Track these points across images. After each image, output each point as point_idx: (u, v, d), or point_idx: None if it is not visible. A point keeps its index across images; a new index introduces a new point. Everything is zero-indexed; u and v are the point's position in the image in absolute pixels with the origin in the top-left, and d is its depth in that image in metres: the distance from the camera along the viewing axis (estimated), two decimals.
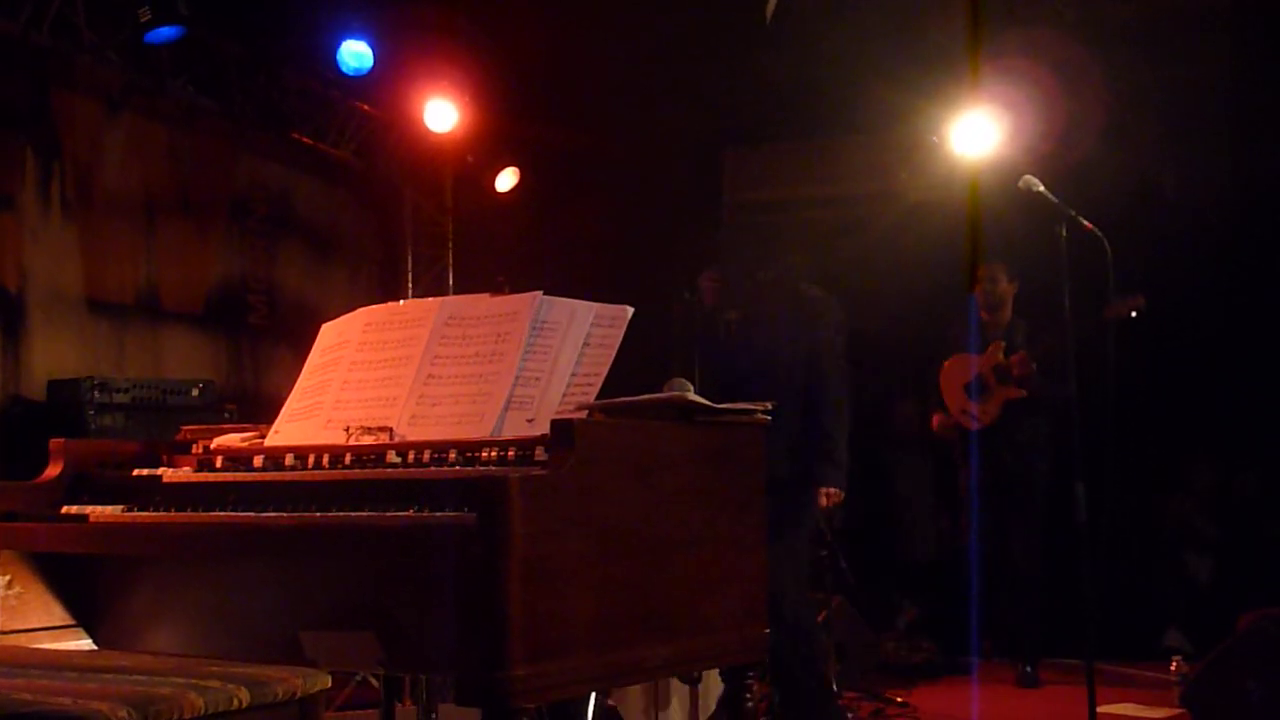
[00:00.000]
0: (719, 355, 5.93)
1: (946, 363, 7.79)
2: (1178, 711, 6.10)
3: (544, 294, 3.31)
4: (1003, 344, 7.49)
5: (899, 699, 6.67)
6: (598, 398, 3.23)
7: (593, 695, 5.20)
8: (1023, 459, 7.44)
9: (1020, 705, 6.92)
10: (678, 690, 5.38)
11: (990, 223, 8.23)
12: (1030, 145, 7.70)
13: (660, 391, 3.18)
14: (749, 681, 3.35)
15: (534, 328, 3.22)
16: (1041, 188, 5.01)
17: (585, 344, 3.27)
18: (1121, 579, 7.57)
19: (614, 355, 3.29)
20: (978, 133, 7.86)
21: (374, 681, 5.91)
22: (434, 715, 3.76)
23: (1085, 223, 5.03)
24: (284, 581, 3.12)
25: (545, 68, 8.17)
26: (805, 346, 5.49)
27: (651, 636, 2.98)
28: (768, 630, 3.34)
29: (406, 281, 9.05)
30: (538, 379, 3.20)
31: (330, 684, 2.73)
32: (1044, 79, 7.87)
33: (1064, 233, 5.00)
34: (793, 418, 5.29)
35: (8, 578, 3.31)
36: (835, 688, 6.48)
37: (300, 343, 5.37)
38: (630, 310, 3.35)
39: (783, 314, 5.61)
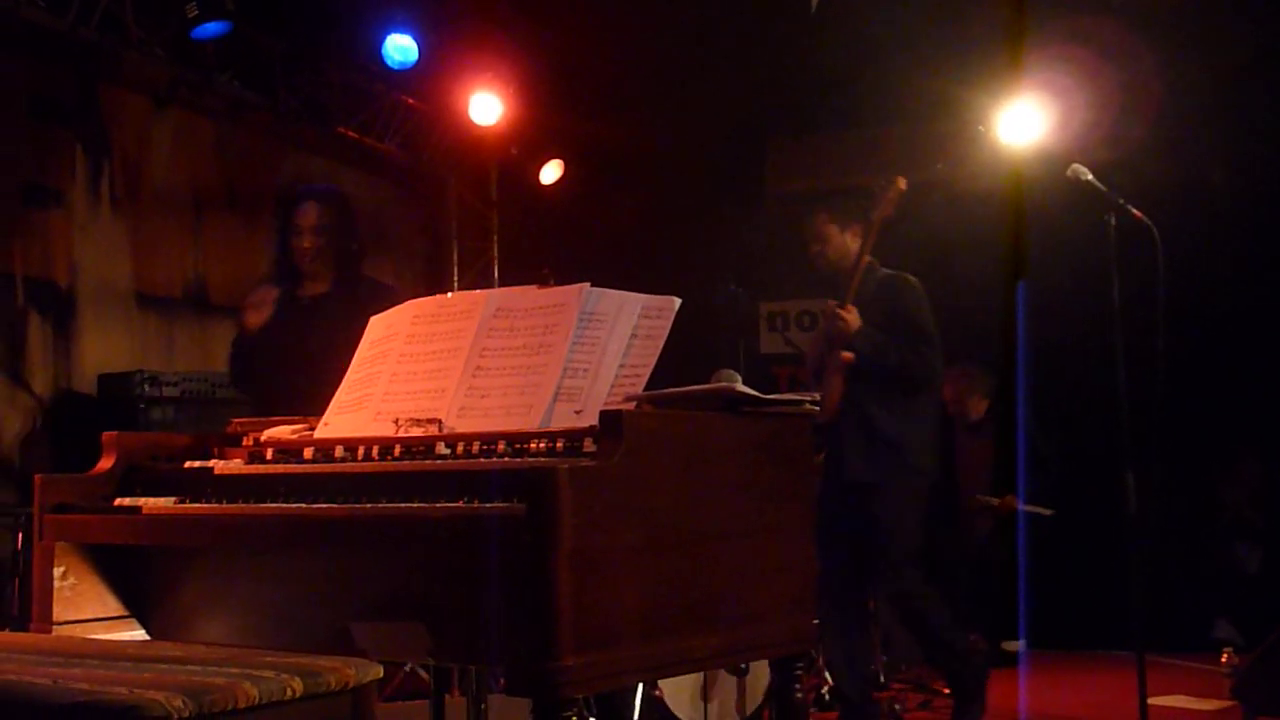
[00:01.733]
0: None
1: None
2: (1229, 704, 6.05)
3: (590, 285, 3.31)
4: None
5: (946, 690, 6.64)
6: (645, 389, 3.23)
7: (639, 686, 5.22)
8: None
9: (1070, 697, 6.89)
10: (724, 681, 5.38)
11: (1036, 212, 8.19)
12: (1078, 134, 7.64)
13: (708, 382, 3.17)
14: (797, 672, 3.34)
15: (582, 319, 3.22)
16: (1090, 176, 4.97)
17: (633, 335, 3.27)
18: (1171, 570, 7.52)
19: (661, 346, 3.28)
20: (1024, 121, 7.80)
21: (422, 673, 5.94)
22: (484, 706, 3.76)
23: (1135, 211, 4.99)
24: (334, 572, 3.14)
25: (589, 60, 8.17)
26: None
27: (699, 627, 2.97)
28: (816, 621, 3.33)
29: (452, 274, 9.08)
30: (586, 370, 3.20)
31: (382, 674, 2.75)
32: (1092, 66, 7.82)
33: (1113, 222, 4.96)
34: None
35: (63, 569, 3.34)
36: (883, 679, 6.49)
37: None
38: (678, 301, 3.35)
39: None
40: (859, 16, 8.01)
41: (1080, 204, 5.35)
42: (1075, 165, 5.01)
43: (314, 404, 3.99)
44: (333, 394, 4.31)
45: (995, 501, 7.94)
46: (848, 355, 5.40)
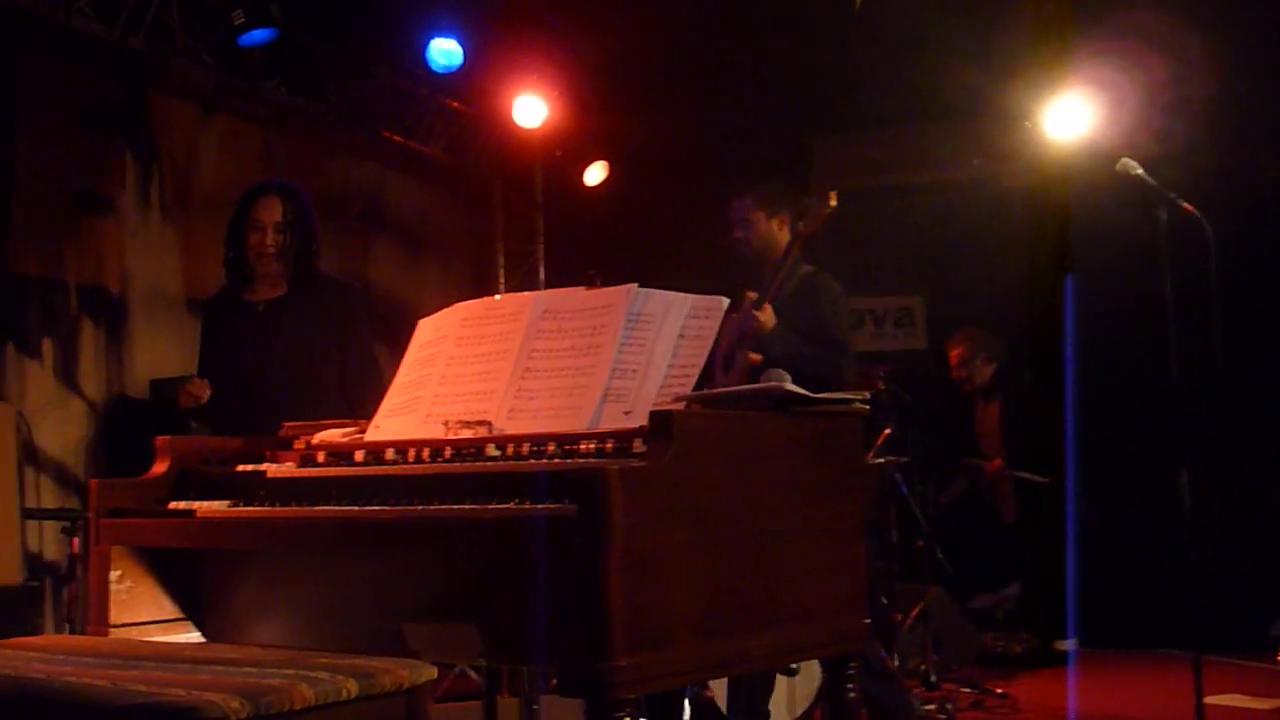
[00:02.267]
0: None
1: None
2: None
3: (638, 286, 3.31)
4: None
5: (998, 690, 6.62)
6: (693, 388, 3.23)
7: (689, 686, 5.21)
8: None
9: (1124, 696, 6.84)
10: (776, 682, 5.37)
11: (1084, 207, 8.14)
12: (1127, 128, 7.58)
13: (758, 381, 3.17)
14: (850, 671, 3.33)
15: (629, 320, 3.22)
16: (1140, 170, 4.94)
17: (681, 335, 3.26)
18: (1227, 568, 7.45)
19: (710, 346, 3.28)
20: (1071, 116, 7.76)
21: (472, 674, 5.96)
22: (535, 707, 3.78)
23: (1186, 205, 4.94)
24: (386, 574, 3.16)
25: (633, 60, 8.18)
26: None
27: (751, 627, 2.97)
28: (869, 620, 3.32)
29: (498, 276, 9.11)
30: (634, 371, 3.20)
31: (436, 675, 2.76)
32: (1141, 59, 7.75)
33: (1164, 216, 4.92)
34: None
35: (119, 572, 3.37)
36: (934, 679, 6.46)
37: (394, 339, 5.42)
38: (726, 301, 3.34)
39: None
40: (904, 12, 7.98)
41: (1129, 198, 5.32)
42: (1124, 159, 4.97)
43: (297, 413, 3.97)
44: (315, 402, 4.36)
45: (984, 464, 7.94)
46: (756, 357, 5.13)
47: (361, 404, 4.48)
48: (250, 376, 4.81)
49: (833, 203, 5.14)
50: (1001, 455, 8.00)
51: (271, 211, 4.83)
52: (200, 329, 5.16)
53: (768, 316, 5.15)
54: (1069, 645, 7.54)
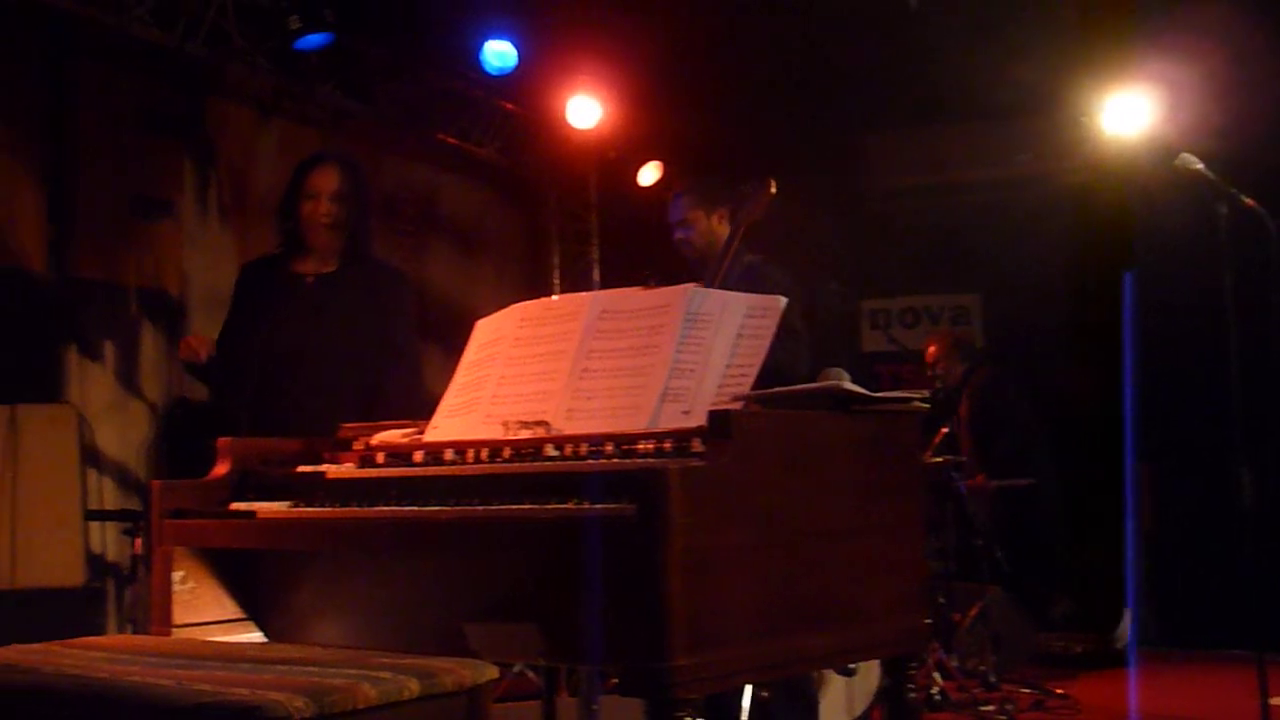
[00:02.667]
0: None
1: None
2: None
3: (695, 285, 3.31)
4: None
5: (1059, 690, 6.57)
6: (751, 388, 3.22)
7: (748, 687, 5.20)
8: None
9: (1187, 697, 6.77)
10: (833, 682, 5.35)
11: (1144, 203, 8.07)
12: (1187, 123, 7.51)
13: (816, 380, 3.16)
14: (910, 672, 3.32)
15: (687, 320, 3.22)
16: (1200, 165, 4.89)
17: (739, 334, 3.26)
18: None
19: (768, 346, 3.27)
20: (1130, 111, 7.70)
21: (530, 674, 5.97)
22: (595, 707, 3.78)
23: (1247, 200, 4.89)
24: (446, 574, 3.17)
25: (686, 60, 8.17)
26: None
27: (810, 627, 2.96)
28: (929, 621, 3.31)
29: (552, 278, 9.13)
30: (692, 371, 3.20)
31: (497, 675, 2.77)
32: (1201, 54, 7.67)
33: (1224, 211, 4.87)
34: None
35: (181, 573, 3.40)
36: (993, 680, 6.42)
37: (448, 340, 5.44)
38: (784, 300, 3.33)
39: None
40: (960, 7, 7.94)
41: (1189, 194, 5.26)
42: (1184, 154, 4.93)
43: (334, 394, 3.97)
44: (354, 384, 4.31)
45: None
46: None
47: (387, 392, 4.50)
48: (291, 351, 4.55)
49: (772, 189, 5.11)
50: (970, 456, 7.79)
51: (329, 181, 4.61)
52: (233, 294, 4.80)
53: None
54: (1125, 624, 7.45)
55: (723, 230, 5.18)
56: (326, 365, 4.54)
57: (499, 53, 7.51)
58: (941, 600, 6.48)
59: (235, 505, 3.43)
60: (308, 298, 4.61)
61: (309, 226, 4.60)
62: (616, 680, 3.79)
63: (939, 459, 6.36)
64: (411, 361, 4.80)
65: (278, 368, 4.51)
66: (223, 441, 3.58)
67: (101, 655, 2.88)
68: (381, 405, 4.23)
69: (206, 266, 6.85)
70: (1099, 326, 8.16)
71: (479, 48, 7.50)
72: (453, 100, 8.14)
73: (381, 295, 4.73)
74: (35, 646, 3.01)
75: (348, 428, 3.71)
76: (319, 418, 4.01)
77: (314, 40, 6.56)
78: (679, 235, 5.24)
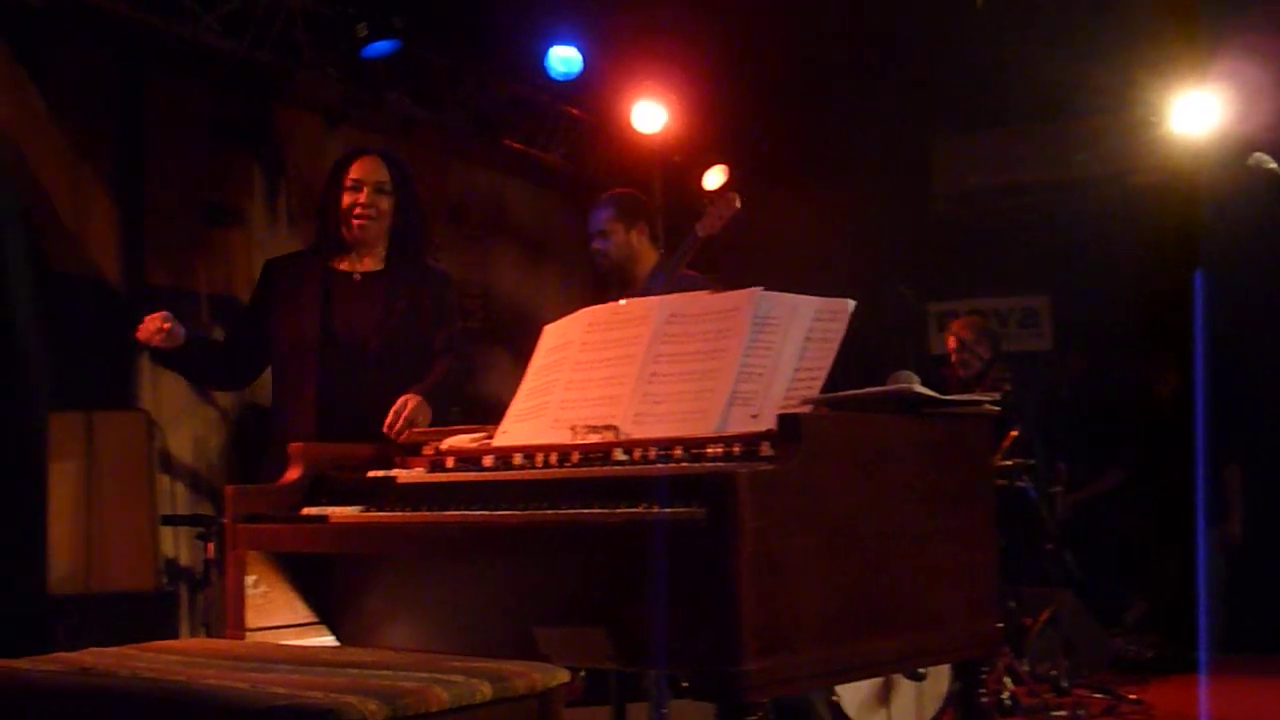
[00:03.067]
0: None
1: None
2: None
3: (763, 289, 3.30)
4: None
5: (1131, 695, 6.49)
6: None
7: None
8: None
9: (1260, 703, 6.68)
10: (902, 686, 5.33)
11: (1214, 204, 7.98)
12: (1259, 123, 7.41)
13: (884, 384, 3.15)
14: (981, 676, 3.30)
15: (755, 323, 3.21)
16: (1274, 164, 4.83)
17: (807, 338, 3.25)
18: None
19: (837, 349, 3.26)
20: (1201, 111, 7.62)
21: (598, 678, 5.97)
22: (665, 711, 3.78)
23: None
24: (516, 578, 3.18)
25: (750, 64, 8.16)
26: None
27: (880, 631, 2.95)
28: (1001, 625, 3.28)
29: None
30: (760, 374, 3.19)
31: (569, 679, 2.77)
32: (1274, 52, 7.57)
33: None
34: None
35: (254, 577, 3.43)
36: (1065, 685, 6.36)
37: (515, 344, 5.48)
38: (852, 303, 3.32)
39: None
40: (1028, 8, 7.88)
41: (1260, 194, 5.20)
42: (1257, 154, 4.87)
43: (381, 395, 3.84)
44: (399, 387, 4.03)
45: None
46: None
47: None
48: (337, 344, 4.27)
49: (736, 204, 5.11)
50: None
51: (373, 172, 4.31)
52: (257, 285, 4.50)
53: None
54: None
55: (641, 245, 5.24)
56: (388, 359, 4.28)
57: (564, 59, 7.54)
58: (1012, 604, 6.43)
59: (307, 510, 3.45)
60: (357, 292, 4.33)
61: (348, 221, 4.29)
62: (686, 684, 3.79)
63: (1009, 462, 6.31)
64: (469, 365, 4.59)
65: (326, 358, 4.25)
66: (294, 447, 3.61)
67: (177, 659, 2.92)
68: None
69: None
70: (1169, 328, 8.07)
71: (544, 54, 7.54)
72: (519, 106, 8.17)
73: (438, 299, 4.45)
74: (111, 650, 3.05)
75: (417, 432, 3.74)
76: (377, 411, 3.89)
77: (381, 48, 6.61)
78: (596, 245, 5.24)
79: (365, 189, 4.29)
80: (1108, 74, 8.02)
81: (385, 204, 4.31)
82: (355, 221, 4.28)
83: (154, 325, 4.09)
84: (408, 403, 3.86)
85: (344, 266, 4.36)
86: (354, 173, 4.31)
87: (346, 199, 4.29)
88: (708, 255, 5.28)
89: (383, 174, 4.32)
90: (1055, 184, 9.18)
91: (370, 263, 4.37)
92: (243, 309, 4.44)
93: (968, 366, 7.14)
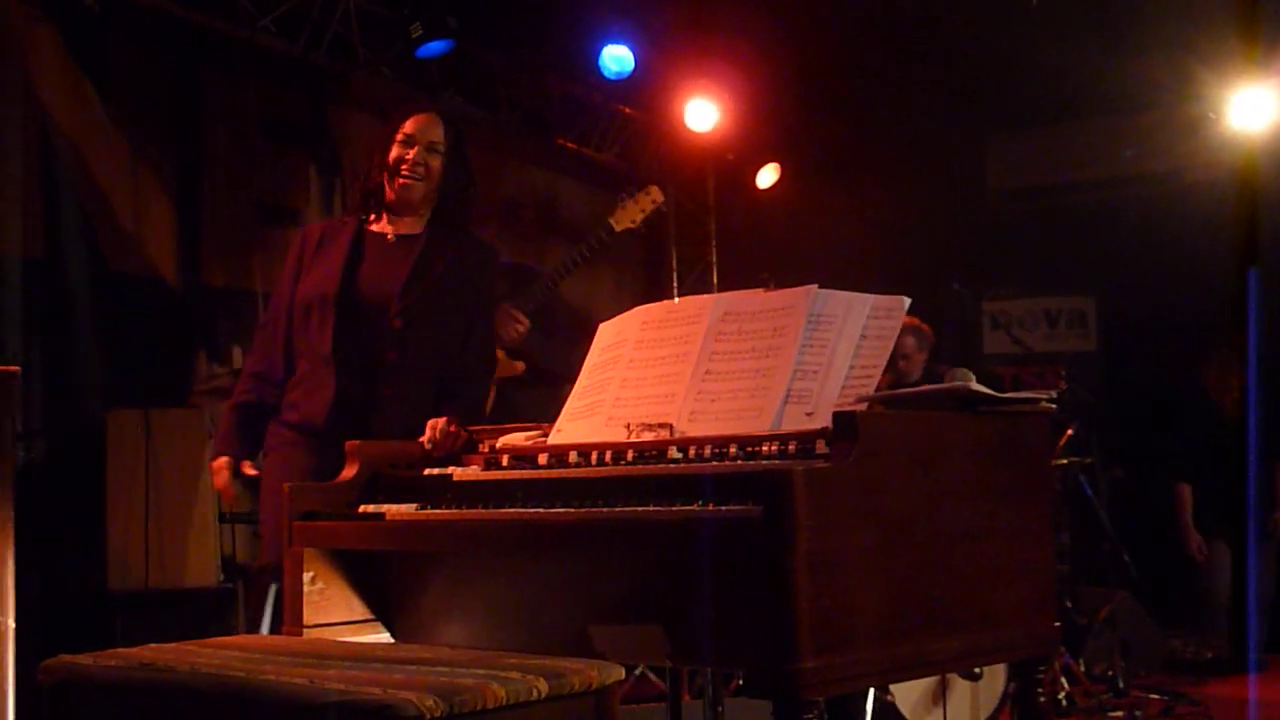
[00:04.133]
0: None
1: None
2: None
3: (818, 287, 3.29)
4: None
5: (1190, 696, 6.43)
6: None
7: (871, 690, 5.17)
8: None
9: None
10: (958, 686, 5.30)
11: (1271, 201, 7.90)
12: None
13: (941, 381, 3.13)
14: (1039, 676, 3.27)
15: (810, 321, 3.21)
16: None
17: (863, 336, 3.24)
18: None
19: (892, 347, 3.25)
20: (1258, 107, 7.54)
21: (652, 676, 5.99)
22: (720, 709, 3.78)
23: None
24: (571, 575, 3.19)
25: (804, 62, 8.14)
26: None
27: (937, 630, 2.94)
28: (1058, 624, 3.26)
29: (671, 281, 9.13)
30: (815, 372, 3.19)
31: (624, 676, 2.78)
32: None
33: None
34: None
35: (311, 574, 3.45)
36: (1122, 685, 6.31)
37: (571, 342, 5.48)
38: (907, 300, 3.31)
39: None
40: (1080, 3, 7.82)
41: None
42: None
43: (409, 362, 3.78)
44: (431, 356, 3.96)
45: None
46: (519, 365, 5.23)
47: (467, 372, 4.10)
48: (358, 302, 4.00)
49: (655, 196, 5.10)
50: None
51: (428, 129, 4.03)
52: (288, 257, 4.22)
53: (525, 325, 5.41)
54: None
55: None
56: (412, 325, 4.00)
57: (617, 57, 7.55)
58: (1068, 604, 6.39)
59: (364, 507, 3.47)
60: (390, 252, 4.05)
61: (395, 175, 4.01)
62: (741, 682, 3.79)
63: (1065, 460, 6.27)
64: (490, 346, 4.41)
65: (356, 315, 3.98)
66: (351, 445, 3.63)
67: (236, 654, 2.94)
68: (464, 387, 4.05)
69: None
70: (1223, 326, 7.99)
71: (597, 53, 7.55)
72: (572, 105, 8.19)
73: (478, 271, 4.18)
74: (170, 646, 3.08)
75: (472, 430, 3.75)
76: (395, 379, 3.89)
77: (436, 48, 6.63)
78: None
79: (417, 146, 4.01)
80: (1164, 69, 7.95)
81: (436, 164, 4.04)
82: (401, 180, 4.01)
83: (225, 488, 4.05)
84: (446, 425, 3.69)
85: (378, 227, 4.10)
86: (408, 127, 4.02)
87: (395, 152, 4.02)
88: (760, 256, 5.30)
89: (437, 132, 4.04)
90: (1110, 181, 9.11)
91: (410, 225, 4.10)
92: (283, 293, 4.13)
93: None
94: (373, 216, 4.10)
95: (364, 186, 4.12)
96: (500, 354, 5.22)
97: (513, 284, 5.59)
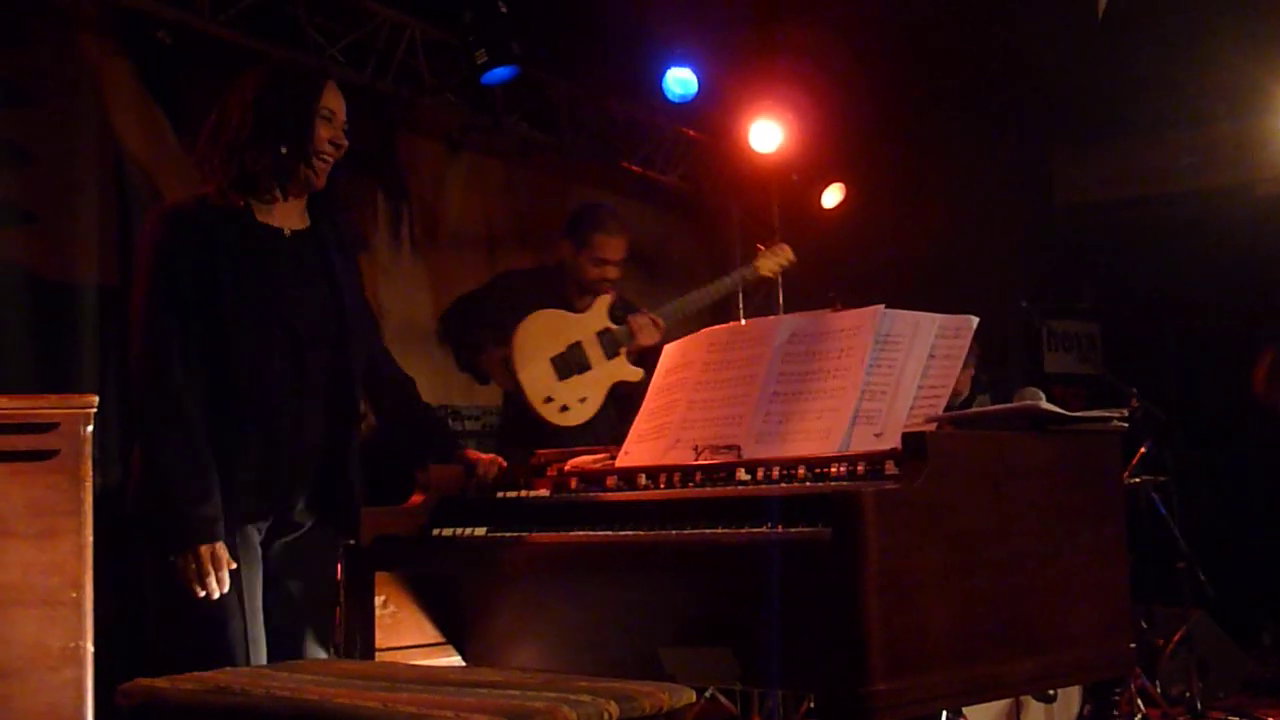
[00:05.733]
0: None
1: None
2: None
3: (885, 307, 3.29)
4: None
5: (1269, 718, 6.34)
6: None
7: (944, 712, 5.13)
8: None
9: None
10: (1032, 707, 5.25)
11: None
12: None
13: (1011, 400, 3.12)
14: (1115, 699, 3.24)
15: (878, 341, 3.21)
16: None
17: (930, 355, 3.24)
18: None
19: (960, 366, 3.24)
20: None
21: (722, 699, 5.97)
22: None
23: None
24: (641, 598, 3.19)
25: (867, 80, 8.12)
26: None
27: (1011, 651, 2.92)
28: (1133, 645, 3.23)
29: (737, 302, 9.12)
30: (884, 393, 3.18)
31: (695, 699, 2.77)
32: None
33: None
34: None
35: (383, 598, 3.48)
36: (1199, 707, 6.23)
37: (639, 365, 5.49)
38: (975, 320, 3.30)
39: None
40: (1147, 16, 7.75)
41: None
42: None
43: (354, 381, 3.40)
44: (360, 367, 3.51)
45: None
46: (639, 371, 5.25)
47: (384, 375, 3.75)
48: (300, 324, 3.41)
49: (789, 256, 5.37)
50: None
51: (341, 104, 3.52)
52: (170, 240, 3.35)
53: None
54: None
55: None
56: (345, 343, 3.50)
57: (680, 80, 7.56)
58: (1144, 624, 6.31)
59: (435, 531, 3.50)
60: (294, 255, 3.47)
61: (314, 156, 3.45)
62: (812, 705, 3.77)
63: (1138, 479, 6.20)
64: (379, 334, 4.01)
65: (293, 342, 3.39)
66: (422, 470, 3.65)
67: (309, 678, 2.96)
68: (385, 388, 3.73)
69: (400, 298, 7.00)
70: None
71: (661, 76, 7.57)
72: (636, 128, 8.21)
73: (353, 259, 3.74)
74: (245, 669, 3.11)
75: (541, 453, 3.76)
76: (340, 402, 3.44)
77: (500, 74, 6.67)
78: (611, 274, 5.46)
79: (337, 124, 3.50)
80: (1233, 82, 7.87)
81: (343, 147, 3.53)
82: (322, 163, 3.48)
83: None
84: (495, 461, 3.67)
85: (271, 220, 3.46)
86: (328, 100, 3.47)
87: (324, 131, 3.46)
88: (827, 276, 5.33)
89: (344, 110, 3.53)
90: (1178, 195, 9.01)
91: (294, 217, 3.52)
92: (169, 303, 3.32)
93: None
94: (248, 202, 3.42)
95: (266, 161, 3.40)
96: (623, 357, 5.32)
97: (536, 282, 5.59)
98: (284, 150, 3.41)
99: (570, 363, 5.08)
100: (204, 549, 3.17)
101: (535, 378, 4.98)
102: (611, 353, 5.09)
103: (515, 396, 5.04)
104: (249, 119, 3.40)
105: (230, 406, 3.30)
